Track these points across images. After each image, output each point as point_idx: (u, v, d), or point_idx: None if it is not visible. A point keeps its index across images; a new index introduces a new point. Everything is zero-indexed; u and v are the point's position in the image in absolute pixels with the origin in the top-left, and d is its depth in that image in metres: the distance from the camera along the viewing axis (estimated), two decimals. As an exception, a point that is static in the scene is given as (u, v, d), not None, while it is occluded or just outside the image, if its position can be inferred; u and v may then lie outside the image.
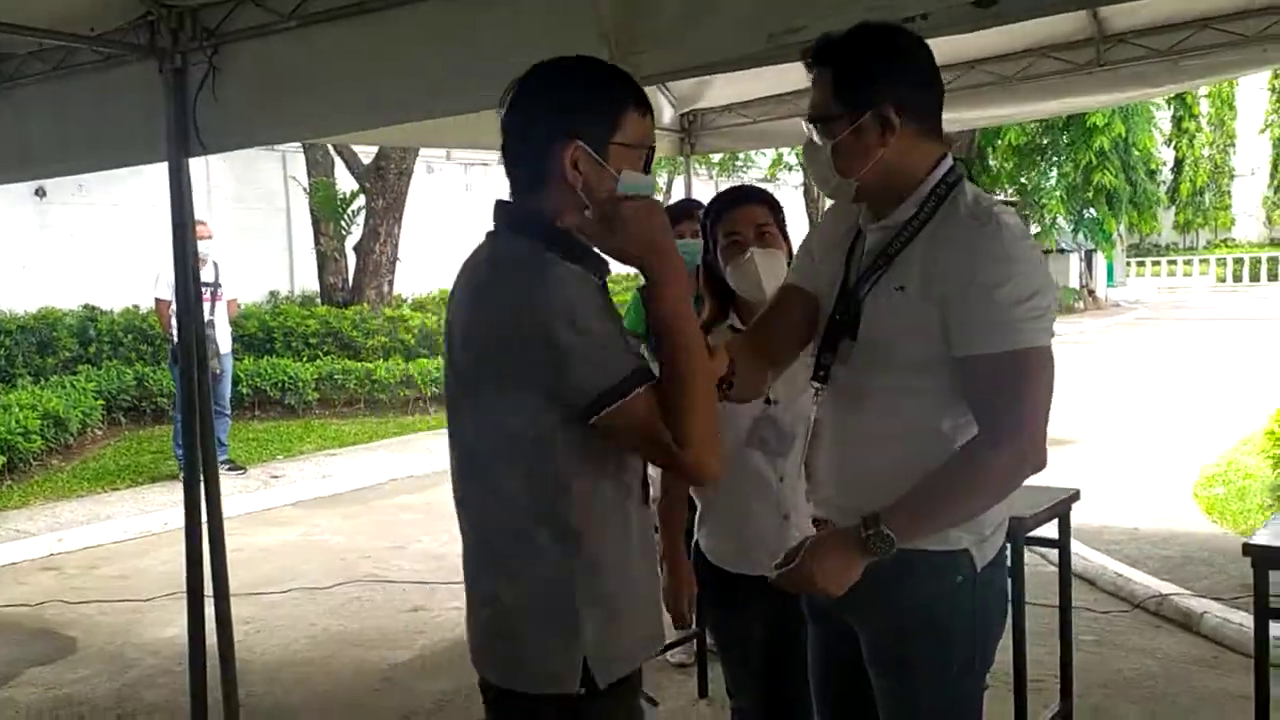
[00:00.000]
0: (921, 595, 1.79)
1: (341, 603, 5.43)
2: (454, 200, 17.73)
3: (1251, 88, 35.97)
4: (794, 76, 5.44)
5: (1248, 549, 2.54)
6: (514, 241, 1.65)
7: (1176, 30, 4.68)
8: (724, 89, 5.77)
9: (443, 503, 7.54)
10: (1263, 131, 37.39)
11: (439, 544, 6.46)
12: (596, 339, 1.54)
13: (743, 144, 6.96)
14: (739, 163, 20.65)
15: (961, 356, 1.72)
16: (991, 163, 21.66)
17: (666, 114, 6.03)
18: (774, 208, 2.66)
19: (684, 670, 4.24)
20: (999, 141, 21.16)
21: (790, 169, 20.21)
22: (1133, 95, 6.17)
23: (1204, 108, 37.44)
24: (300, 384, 11.20)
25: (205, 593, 3.77)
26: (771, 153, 20.32)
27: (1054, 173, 22.75)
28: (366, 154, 12.94)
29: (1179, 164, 36.85)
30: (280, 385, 11.14)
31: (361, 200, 13.04)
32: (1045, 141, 22.34)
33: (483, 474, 1.68)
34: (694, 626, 3.71)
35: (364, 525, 7.11)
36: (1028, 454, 1.72)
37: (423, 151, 13.41)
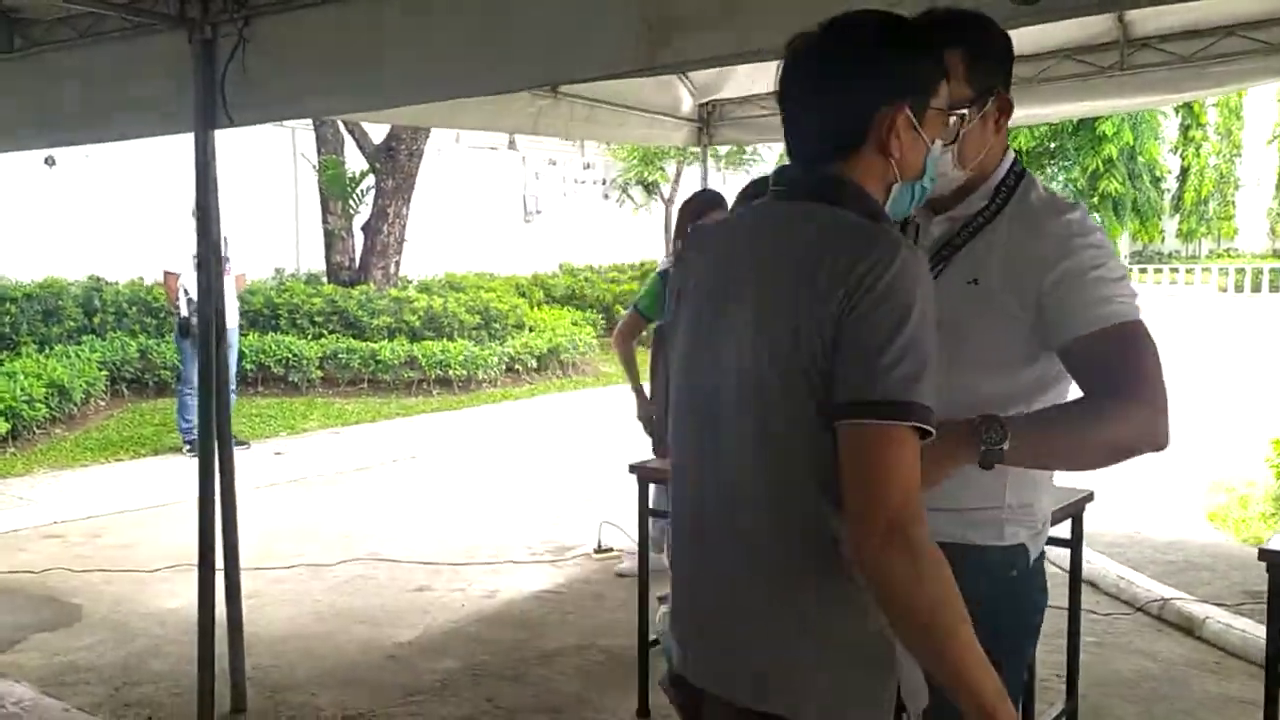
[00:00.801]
0: (980, 592, 1.77)
1: (346, 580, 5.44)
2: (461, 184, 17.72)
3: (1260, 98, 35.88)
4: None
5: (1264, 554, 2.55)
6: (836, 213, 1.44)
7: (1202, 36, 4.68)
8: (744, 80, 5.77)
9: (445, 484, 7.61)
10: (1270, 142, 37.30)
11: (442, 525, 6.49)
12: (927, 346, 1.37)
13: (761, 136, 6.90)
14: (747, 155, 20.64)
15: (1070, 340, 1.68)
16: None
17: (685, 104, 6.04)
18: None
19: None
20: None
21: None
22: (1154, 100, 6.18)
23: (1212, 117, 37.41)
24: (304, 361, 11.22)
25: (215, 565, 3.80)
26: (780, 145, 20.26)
27: (1061, 177, 22.76)
28: (377, 133, 12.90)
29: (1184, 172, 36.82)
30: (284, 362, 11.16)
31: (371, 180, 13.01)
32: (1054, 146, 22.41)
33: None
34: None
35: (367, 504, 7.12)
36: (1155, 423, 1.64)
37: (432, 133, 13.38)
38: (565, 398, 11.85)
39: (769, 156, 21.54)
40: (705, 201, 4.29)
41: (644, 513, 3.75)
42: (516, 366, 12.32)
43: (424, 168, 13.30)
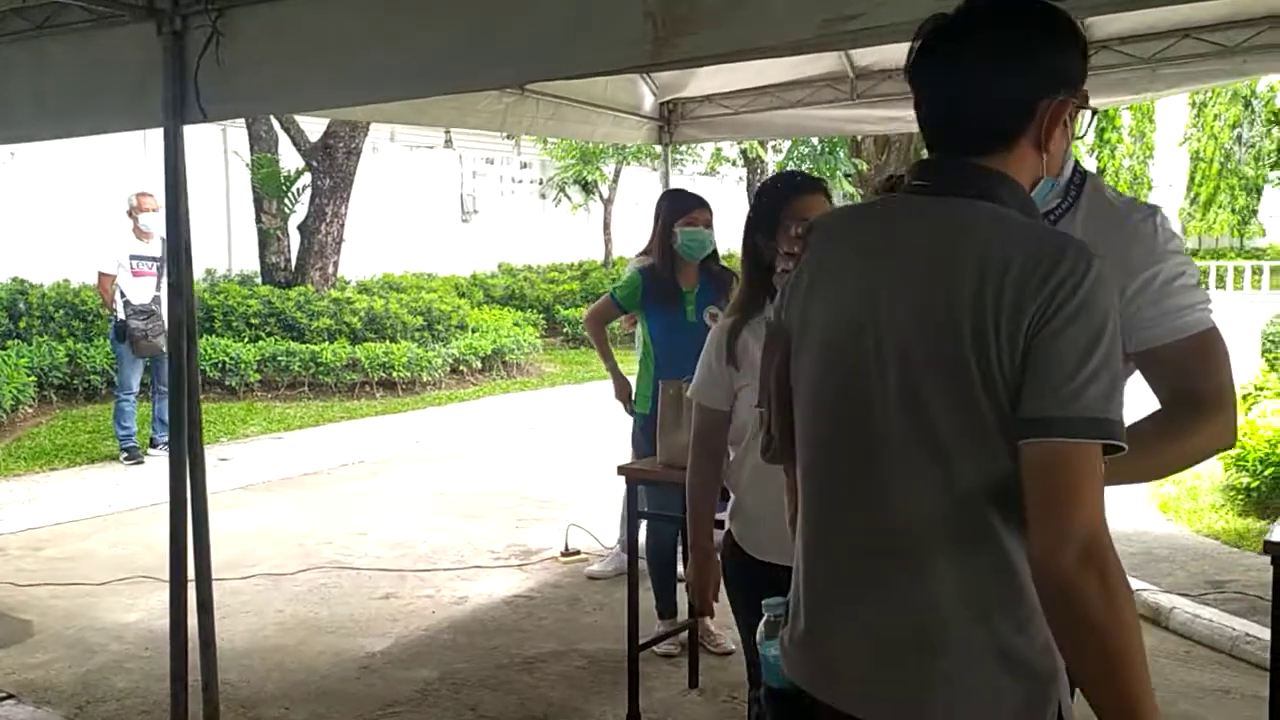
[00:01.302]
0: None
1: (308, 589, 5.29)
2: (397, 183, 17.47)
3: (1171, 101, 37.02)
4: (778, 68, 5.46)
5: (1269, 546, 2.59)
6: (1003, 212, 1.37)
7: (1159, 39, 4.78)
8: (707, 79, 5.75)
9: (397, 488, 7.47)
10: (1181, 144, 38.55)
11: (400, 530, 6.35)
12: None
13: (722, 135, 6.93)
14: (679, 155, 20.68)
15: (1155, 347, 1.67)
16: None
17: (647, 102, 6.00)
18: (830, 198, 2.65)
19: (671, 661, 4.22)
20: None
21: (734, 163, 20.24)
22: (1110, 101, 6.29)
23: (1125, 120, 38.48)
24: (242, 365, 10.94)
25: (157, 576, 3.65)
26: (726, 143, 20.27)
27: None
28: (313, 130, 12.64)
29: (1100, 174, 37.71)
30: (220, 366, 10.87)
31: (307, 179, 12.74)
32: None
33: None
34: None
35: (319, 510, 6.95)
36: (1230, 426, 1.65)
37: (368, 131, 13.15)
38: (512, 399, 11.73)
39: (702, 154, 21.66)
40: (690, 201, 4.27)
41: (633, 515, 3.70)
42: (461, 368, 12.16)
43: (360, 166, 13.07)
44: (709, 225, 4.23)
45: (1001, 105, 1.39)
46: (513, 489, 7.43)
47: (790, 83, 5.63)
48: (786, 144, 18.49)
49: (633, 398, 4.45)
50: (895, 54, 5.25)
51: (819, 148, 19.87)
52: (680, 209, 4.22)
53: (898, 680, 1.39)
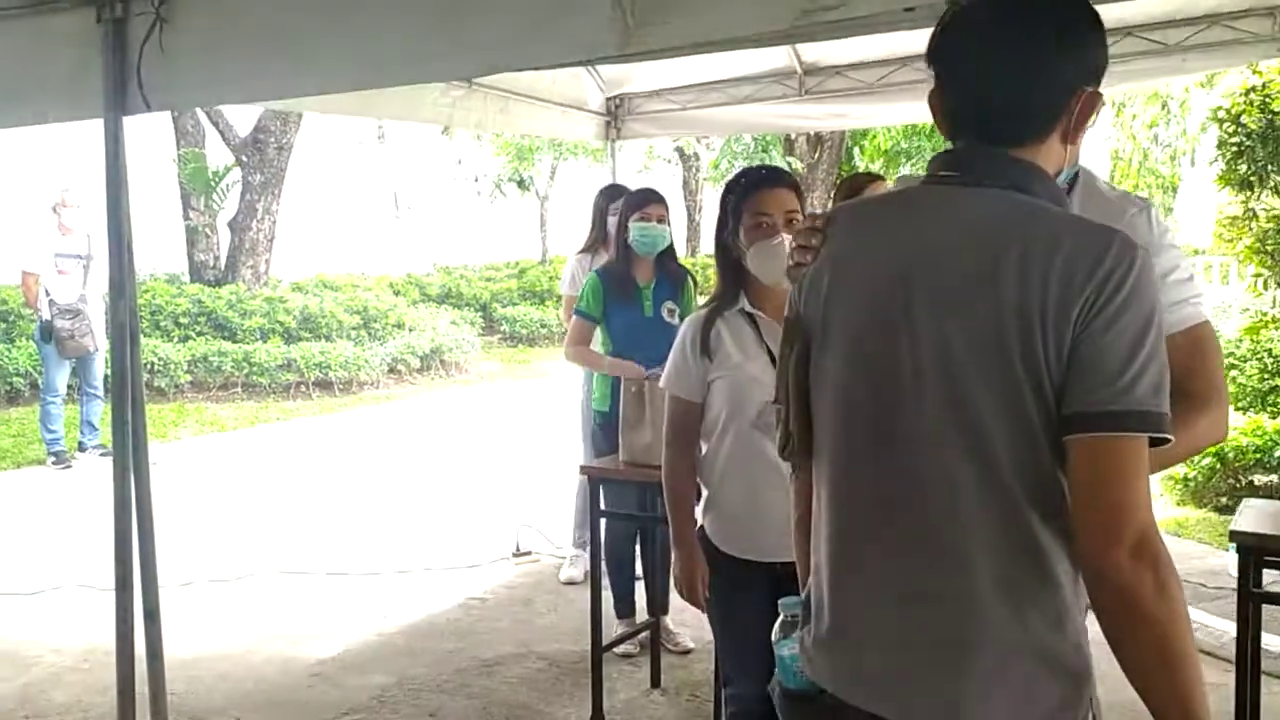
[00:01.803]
0: None
1: (251, 595, 5.15)
2: (328, 179, 17.15)
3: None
4: (726, 63, 5.44)
5: (1235, 535, 2.63)
6: (1040, 204, 1.34)
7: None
8: (654, 74, 5.72)
9: (338, 490, 7.30)
10: (1104, 142, 39.52)
11: (343, 533, 6.22)
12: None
13: (669, 131, 6.88)
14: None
15: None
16: (859, 163, 22.25)
17: (593, 97, 5.95)
18: (799, 193, 2.62)
19: (632, 661, 4.18)
20: (865, 142, 21.73)
21: (668, 161, 20.26)
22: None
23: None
24: (171, 366, 10.65)
25: (93, 585, 3.51)
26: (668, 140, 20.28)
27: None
28: (243, 124, 12.36)
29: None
30: (149, 367, 10.54)
31: (237, 174, 12.45)
32: (911, 146, 23.12)
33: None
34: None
35: (258, 514, 6.77)
36: (1222, 420, 1.67)
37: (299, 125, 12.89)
38: (451, 398, 11.59)
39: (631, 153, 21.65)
40: (640, 197, 4.22)
41: (595, 514, 3.65)
42: (399, 367, 11.98)
43: (291, 162, 12.81)
44: (663, 220, 4.19)
45: (1043, 94, 1.35)
46: (458, 489, 7.32)
47: (739, 78, 5.62)
48: (721, 142, 18.57)
49: (590, 397, 4.38)
50: (844, 50, 5.27)
51: (752, 146, 20.03)
52: (635, 203, 4.18)
53: (932, 679, 1.35)
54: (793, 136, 19.55)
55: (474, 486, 7.37)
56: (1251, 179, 4.81)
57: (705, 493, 2.68)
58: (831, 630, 1.46)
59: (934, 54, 1.43)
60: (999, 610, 1.32)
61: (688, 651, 4.24)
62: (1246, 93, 4.87)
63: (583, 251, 4.91)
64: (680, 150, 18.49)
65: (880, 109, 5.59)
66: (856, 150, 21.68)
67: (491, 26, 2.75)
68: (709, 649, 4.21)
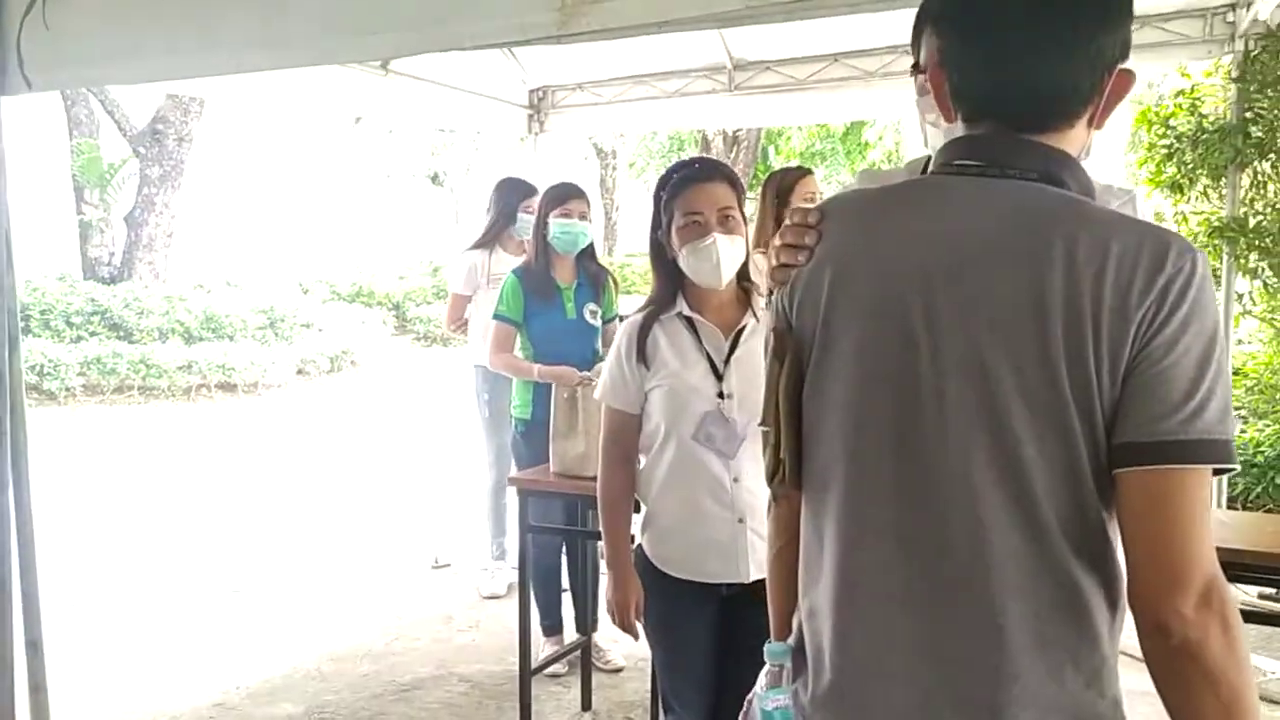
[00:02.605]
0: None
1: (146, 615, 4.80)
2: (232, 173, 16.55)
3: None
4: (654, 56, 5.26)
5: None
6: (1083, 201, 1.18)
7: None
8: (579, 65, 5.52)
9: (241, 500, 6.93)
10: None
11: (247, 546, 5.88)
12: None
13: (594, 125, 6.69)
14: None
15: None
16: (775, 162, 22.37)
17: (516, 88, 5.72)
18: (737, 187, 2.45)
19: (560, 681, 3.97)
20: (781, 142, 21.86)
21: (585, 158, 20.04)
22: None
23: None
24: (61, 368, 10.09)
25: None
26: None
27: (832, 180, 23.73)
28: (142, 115, 11.79)
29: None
30: (38, 369, 9.99)
31: (134, 166, 11.88)
32: (825, 147, 23.29)
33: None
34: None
35: (154, 527, 6.38)
36: None
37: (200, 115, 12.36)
38: (362, 401, 11.21)
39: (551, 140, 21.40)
40: (562, 192, 4.00)
41: (524, 529, 3.43)
42: (307, 369, 11.56)
43: (193, 154, 12.28)
44: (585, 217, 3.98)
45: (1081, 72, 1.18)
46: (370, 498, 7.02)
47: (667, 72, 5.44)
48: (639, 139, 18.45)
49: (512, 404, 4.15)
50: (776, 46, 5.13)
51: (667, 144, 19.97)
52: (556, 199, 3.95)
53: None
54: (709, 136, 19.56)
55: (387, 495, 7.07)
56: (1181, 181, 4.80)
57: (643, 509, 2.50)
58: (835, 688, 1.27)
59: (943, 24, 1.24)
60: (1034, 668, 1.15)
61: (619, 670, 4.04)
62: (1176, 95, 4.87)
63: (478, 248, 4.66)
64: (597, 147, 18.31)
65: (811, 106, 5.46)
66: (771, 150, 21.84)
67: (415, 3, 2.52)
68: (640, 668, 4.04)
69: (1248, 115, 4.63)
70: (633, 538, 2.54)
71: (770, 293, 1.41)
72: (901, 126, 21.03)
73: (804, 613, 1.33)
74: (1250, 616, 2.74)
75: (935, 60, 1.26)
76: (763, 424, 1.35)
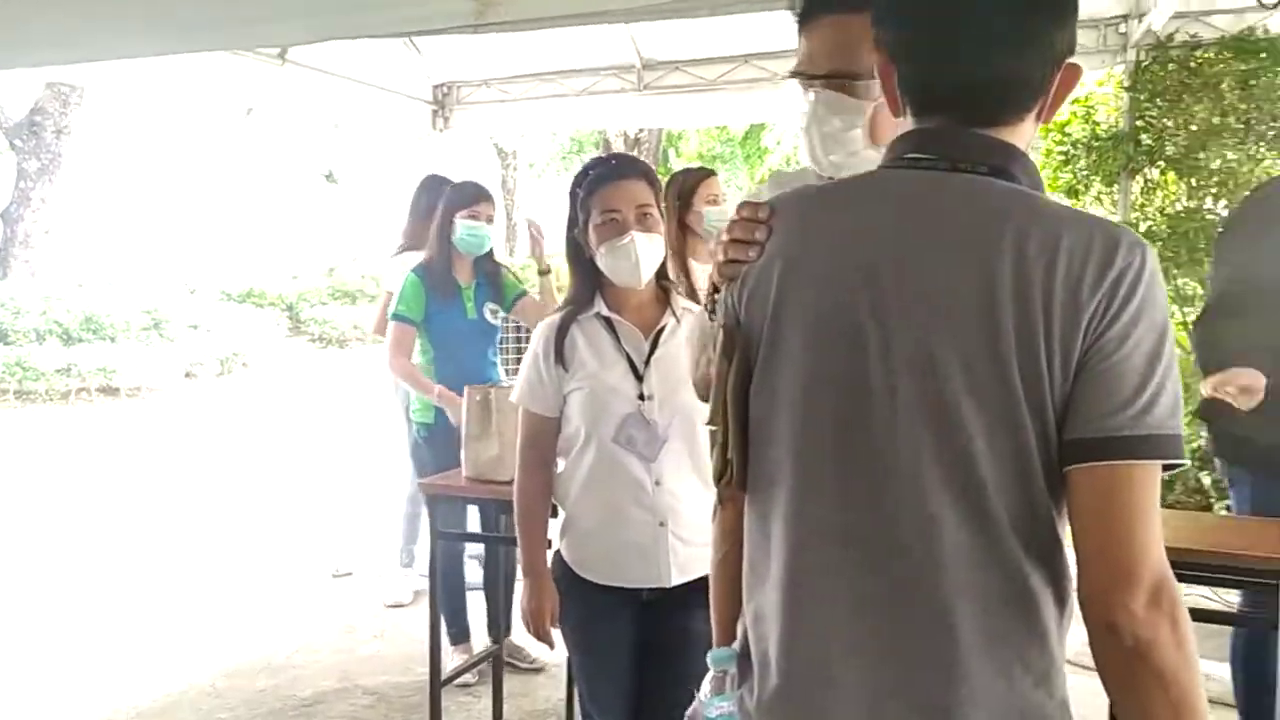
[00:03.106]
0: None
1: (24, 634, 4.52)
2: (116, 167, 15.90)
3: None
4: (562, 53, 5.20)
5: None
6: (1032, 195, 1.17)
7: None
8: (484, 61, 5.41)
9: (125, 508, 6.62)
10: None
11: (134, 557, 5.60)
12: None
13: (500, 124, 6.56)
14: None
15: None
16: (675, 165, 22.51)
17: (419, 83, 5.58)
18: (655, 184, 2.40)
19: (470, 691, 3.86)
20: (681, 144, 22.00)
21: (485, 158, 19.78)
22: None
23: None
24: (-72, 370, 9.53)
25: None
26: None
27: (731, 183, 23.96)
28: (18, 108, 11.22)
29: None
30: (-98, 372, 9.42)
31: (10, 160, 11.31)
32: (725, 150, 23.50)
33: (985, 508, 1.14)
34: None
35: (30, 538, 6.03)
36: None
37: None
38: (253, 404, 10.85)
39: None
40: (469, 194, 3.92)
41: (435, 535, 3.32)
42: (195, 371, 11.14)
43: (73, 147, 11.74)
44: (491, 220, 3.91)
45: (1033, 65, 1.16)
46: (265, 505, 6.77)
47: (575, 70, 5.38)
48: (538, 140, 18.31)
49: (410, 408, 4.02)
50: (686, 45, 5.12)
51: (568, 144, 19.88)
52: (464, 199, 3.87)
53: None
54: (610, 137, 19.58)
55: (283, 502, 6.83)
56: (1077, 187, 4.94)
57: (561, 514, 2.44)
58: (781, 692, 1.23)
59: (896, 16, 1.22)
60: (983, 667, 1.13)
61: (541, 669, 4.00)
62: (1071, 104, 5.00)
63: (412, 250, 4.50)
64: (498, 146, 18.12)
65: (720, 107, 5.46)
66: (672, 152, 21.96)
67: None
68: (552, 674, 3.96)
69: (1139, 123, 4.79)
70: (549, 543, 2.47)
71: (715, 290, 1.36)
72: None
73: (749, 617, 1.29)
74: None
75: (885, 53, 1.24)
76: (710, 423, 1.30)
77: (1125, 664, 1.09)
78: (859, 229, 1.21)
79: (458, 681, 3.83)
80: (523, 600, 2.43)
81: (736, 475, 1.28)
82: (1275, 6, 1.88)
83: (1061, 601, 1.16)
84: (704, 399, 1.41)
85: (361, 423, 9.45)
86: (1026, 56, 1.16)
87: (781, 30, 4.72)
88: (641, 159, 2.53)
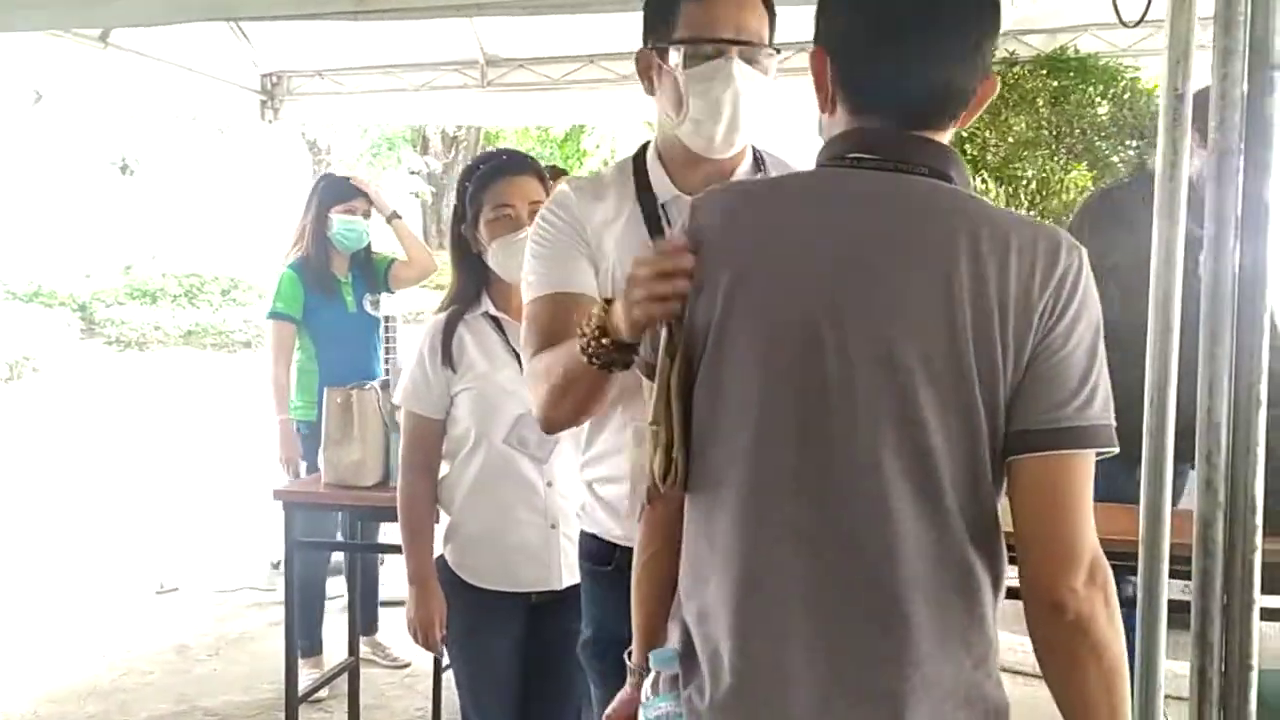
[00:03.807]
0: None
1: None
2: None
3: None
4: (402, 46, 5.05)
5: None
6: (968, 195, 1.22)
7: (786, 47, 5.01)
8: (318, 52, 5.20)
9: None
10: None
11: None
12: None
13: (334, 116, 6.32)
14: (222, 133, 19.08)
15: None
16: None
17: (247, 71, 5.31)
18: (545, 182, 2.38)
19: (322, 706, 3.70)
20: (500, 143, 21.89)
21: (296, 152, 19.02)
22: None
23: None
24: None
25: None
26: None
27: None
28: None
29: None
30: None
31: None
32: (545, 153, 23.43)
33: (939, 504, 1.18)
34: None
35: None
36: None
37: None
38: (47, 410, 10.07)
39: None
40: (342, 190, 3.80)
41: (290, 545, 3.15)
42: (-23, 376, 10.25)
43: None
44: (368, 215, 3.83)
45: (969, 76, 1.22)
46: (73, 518, 6.29)
47: (416, 64, 5.23)
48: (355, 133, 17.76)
49: (290, 403, 3.83)
50: (531, 43, 5.07)
51: (382, 143, 19.39)
52: (338, 194, 3.79)
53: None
54: (427, 135, 19.19)
55: (94, 514, 6.36)
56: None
57: (445, 519, 2.38)
58: (735, 691, 1.23)
59: (845, 15, 1.24)
60: (933, 654, 1.17)
61: (406, 666, 3.95)
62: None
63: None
64: (308, 141, 17.46)
65: (564, 106, 5.43)
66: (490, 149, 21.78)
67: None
68: (407, 684, 3.86)
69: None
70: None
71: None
72: (617, 135, 21.59)
73: (691, 616, 1.28)
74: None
75: (824, 46, 1.25)
76: (652, 423, 1.29)
77: (1066, 639, 1.16)
78: (811, 229, 1.22)
79: (312, 697, 3.68)
80: (409, 610, 2.36)
81: (682, 474, 1.27)
82: (1137, 24, 2.02)
83: (997, 584, 1.22)
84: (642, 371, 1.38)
85: (173, 428, 8.94)
86: (966, 67, 1.21)
87: (627, 31, 4.75)
88: (531, 157, 2.49)
